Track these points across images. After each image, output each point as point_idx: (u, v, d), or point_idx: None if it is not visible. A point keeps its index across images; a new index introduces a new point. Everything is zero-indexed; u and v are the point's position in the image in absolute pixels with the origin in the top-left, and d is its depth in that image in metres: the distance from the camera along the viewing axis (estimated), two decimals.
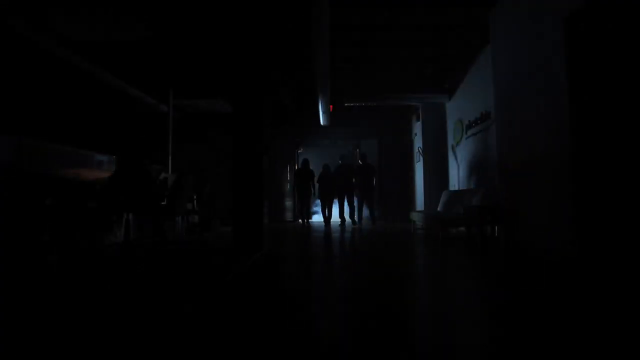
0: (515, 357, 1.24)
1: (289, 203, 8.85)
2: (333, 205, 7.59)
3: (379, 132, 8.96)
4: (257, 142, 3.71)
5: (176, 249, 3.86)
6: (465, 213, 4.36)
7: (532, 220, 3.33)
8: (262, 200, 3.70)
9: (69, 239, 3.31)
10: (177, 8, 3.86)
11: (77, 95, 4.31)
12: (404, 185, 8.60)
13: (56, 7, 3.48)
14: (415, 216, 5.82)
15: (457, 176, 6.23)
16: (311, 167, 7.55)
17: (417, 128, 7.50)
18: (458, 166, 6.18)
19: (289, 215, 8.82)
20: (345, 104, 7.07)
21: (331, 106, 7.01)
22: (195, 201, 5.14)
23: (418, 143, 7.48)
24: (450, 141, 6.60)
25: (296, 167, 8.73)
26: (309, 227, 7.24)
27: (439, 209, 5.74)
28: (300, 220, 8.04)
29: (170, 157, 5.73)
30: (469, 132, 5.63)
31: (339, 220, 7.56)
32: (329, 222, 7.58)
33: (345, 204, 7.51)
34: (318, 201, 8.16)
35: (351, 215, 7.54)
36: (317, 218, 9.32)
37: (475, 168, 5.43)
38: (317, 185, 7.49)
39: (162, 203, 3.72)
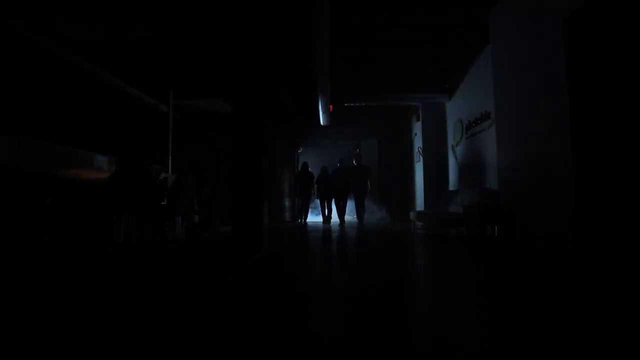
0: (514, 357, 1.24)
1: (288, 203, 8.87)
2: (332, 205, 7.82)
3: (379, 132, 8.97)
4: (257, 142, 3.71)
5: (176, 249, 3.86)
6: (465, 213, 4.35)
7: (532, 220, 3.33)
8: (262, 200, 3.70)
9: (69, 239, 3.31)
10: (177, 8, 3.86)
11: (77, 95, 4.31)
12: (404, 185, 8.59)
13: (56, 7, 3.48)
14: (415, 216, 5.82)
15: (457, 176, 6.23)
16: (310, 169, 7.91)
17: (417, 128, 7.50)
18: (458, 166, 6.18)
19: (288, 215, 8.83)
20: (345, 104, 7.07)
21: (331, 106, 7.02)
22: (195, 201, 5.14)
23: (418, 143, 7.48)
24: (450, 141, 6.60)
25: (297, 168, 8.89)
26: (305, 225, 7.50)
27: (439, 208, 5.74)
28: (299, 220, 8.22)
29: (170, 157, 5.73)
30: (469, 132, 5.63)
31: (338, 220, 7.68)
32: (329, 221, 7.79)
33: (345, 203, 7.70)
34: (317, 201, 8.30)
35: (340, 215, 7.73)
36: (314, 218, 9.33)
37: (475, 168, 5.43)
38: (315, 186, 7.76)
39: (162, 203, 3.72)
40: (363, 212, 7.52)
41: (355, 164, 7.57)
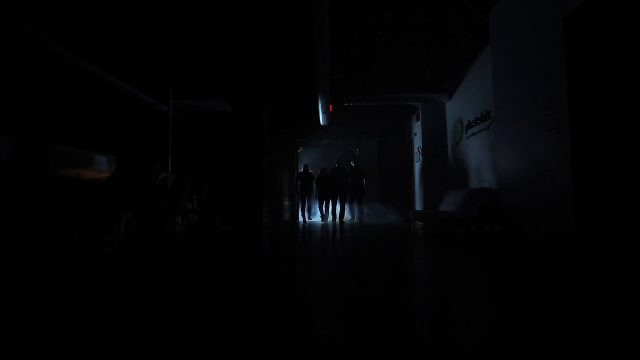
0: (515, 356, 1.24)
1: (288, 203, 8.89)
2: (330, 205, 8.01)
3: (379, 132, 8.98)
4: (256, 142, 3.71)
5: (176, 249, 3.86)
6: (464, 213, 4.35)
7: (532, 220, 3.33)
8: (262, 200, 3.70)
9: (69, 239, 3.31)
10: (177, 8, 3.86)
11: (77, 95, 4.31)
12: (403, 185, 8.60)
13: (56, 7, 3.48)
14: (414, 216, 5.82)
15: (456, 176, 6.23)
16: (310, 171, 8.26)
17: (417, 128, 7.50)
18: (458, 166, 6.18)
19: (288, 215, 8.84)
20: (345, 104, 7.08)
21: (331, 106, 7.03)
22: (195, 201, 5.15)
23: (418, 143, 7.48)
24: (450, 141, 6.60)
25: (297, 169, 9.06)
26: (305, 225, 7.61)
27: (438, 208, 5.74)
28: (301, 220, 8.31)
29: (170, 157, 5.73)
30: (469, 132, 5.63)
31: (338, 220, 7.84)
32: (328, 220, 7.98)
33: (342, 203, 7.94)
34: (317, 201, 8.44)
35: (333, 212, 7.96)
36: (314, 218, 9.36)
37: (475, 168, 5.43)
38: (315, 186, 8.00)
39: (162, 203, 3.72)
40: (361, 211, 7.76)
41: (353, 165, 7.93)
